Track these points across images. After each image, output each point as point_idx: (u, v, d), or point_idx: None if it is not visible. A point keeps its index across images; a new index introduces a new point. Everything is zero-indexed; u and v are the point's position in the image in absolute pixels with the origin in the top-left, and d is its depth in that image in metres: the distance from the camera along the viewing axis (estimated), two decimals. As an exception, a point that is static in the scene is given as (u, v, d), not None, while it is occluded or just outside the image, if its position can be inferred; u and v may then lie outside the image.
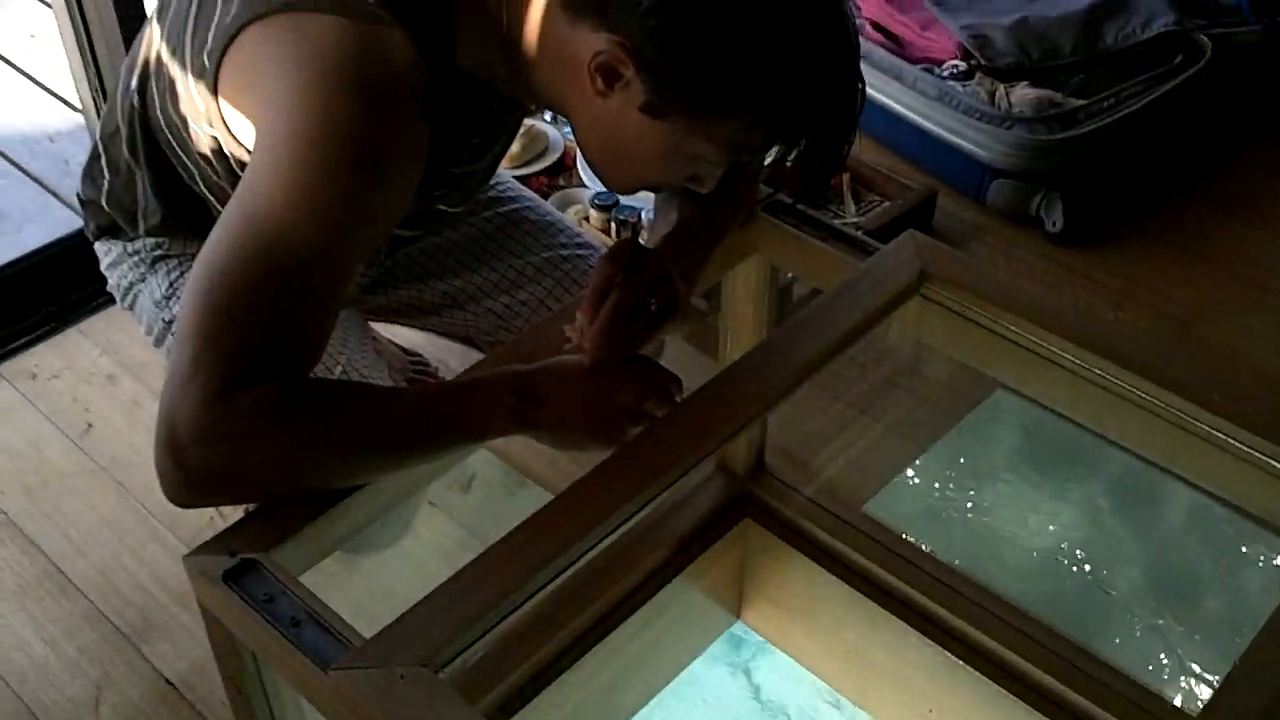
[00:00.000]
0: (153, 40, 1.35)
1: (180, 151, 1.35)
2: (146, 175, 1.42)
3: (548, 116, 2.69)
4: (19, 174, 2.84)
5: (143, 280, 1.53)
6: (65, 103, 3.06)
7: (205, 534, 1.14)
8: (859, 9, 2.84)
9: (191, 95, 1.26)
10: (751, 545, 1.74)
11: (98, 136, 1.51)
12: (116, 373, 2.29)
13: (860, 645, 1.67)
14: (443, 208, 1.46)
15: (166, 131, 1.35)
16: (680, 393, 1.23)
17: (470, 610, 1.04)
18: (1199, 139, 2.87)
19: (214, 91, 1.21)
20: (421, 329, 1.76)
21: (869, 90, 2.61)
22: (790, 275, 2.08)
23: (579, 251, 1.68)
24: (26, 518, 2.04)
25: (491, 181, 1.69)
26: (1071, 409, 1.46)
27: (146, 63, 1.36)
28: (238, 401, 1.05)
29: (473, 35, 1.19)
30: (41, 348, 2.35)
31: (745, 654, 1.82)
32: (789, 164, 1.22)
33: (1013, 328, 1.39)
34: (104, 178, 1.49)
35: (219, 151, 1.28)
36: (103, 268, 1.59)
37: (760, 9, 1.08)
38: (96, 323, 2.39)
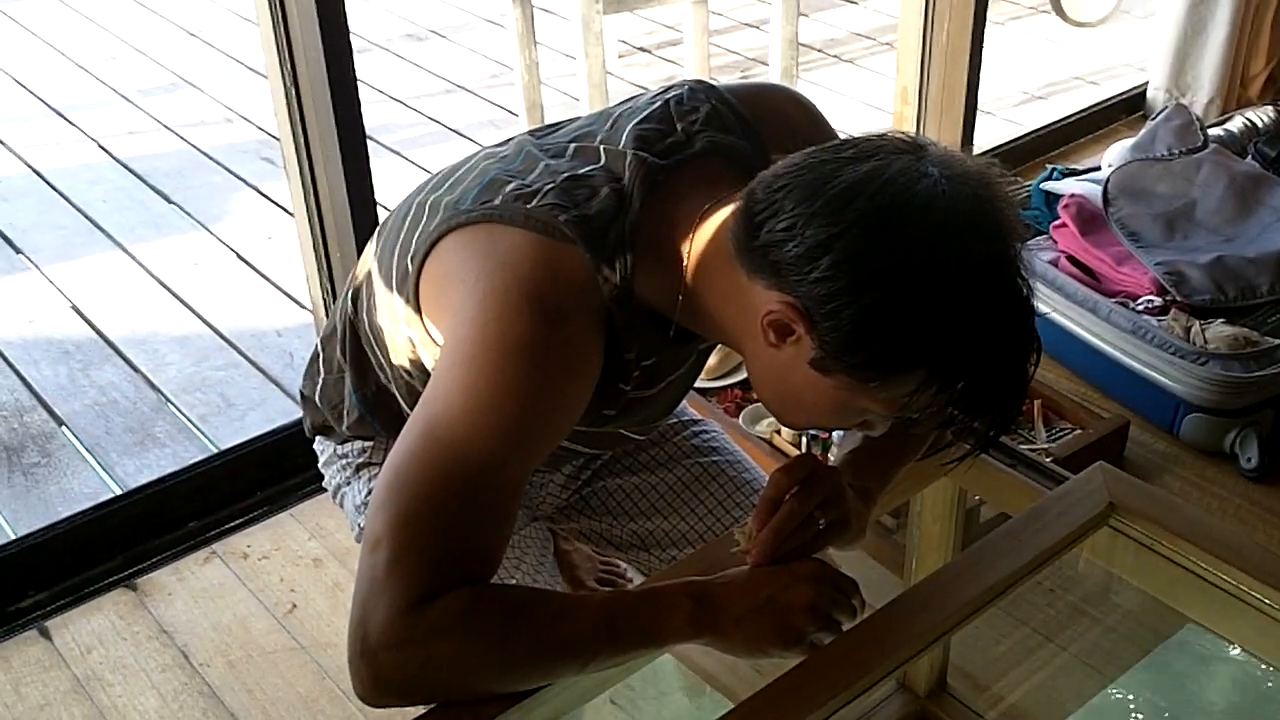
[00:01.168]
0: (370, 253, 1.47)
1: (378, 352, 1.45)
2: (350, 373, 1.52)
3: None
4: (247, 365, 3.05)
5: (348, 484, 1.62)
6: (294, 300, 3.29)
7: (396, 717, 1.20)
8: (1055, 242, 2.90)
9: (392, 300, 1.36)
10: (930, 768, 1.73)
11: (320, 337, 1.62)
12: (322, 556, 2.41)
13: None
14: (623, 432, 1.49)
15: (370, 333, 1.46)
16: (857, 595, 1.25)
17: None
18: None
19: (415, 294, 1.31)
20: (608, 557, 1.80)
21: (1063, 319, 2.70)
22: (978, 498, 2.10)
23: None
24: (228, 690, 2.14)
25: (699, 427, 1.73)
26: (1261, 648, 1.44)
27: (363, 273, 1.48)
28: (428, 610, 1.13)
29: (652, 267, 1.25)
30: (255, 529, 2.49)
31: None
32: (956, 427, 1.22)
33: (1202, 564, 1.40)
34: (320, 375, 1.59)
35: (413, 352, 1.37)
36: (320, 465, 1.69)
37: (929, 284, 1.09)
38: (307, 509, 2.52)
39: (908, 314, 1.10)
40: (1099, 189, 2.90)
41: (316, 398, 1.60)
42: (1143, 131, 3.15)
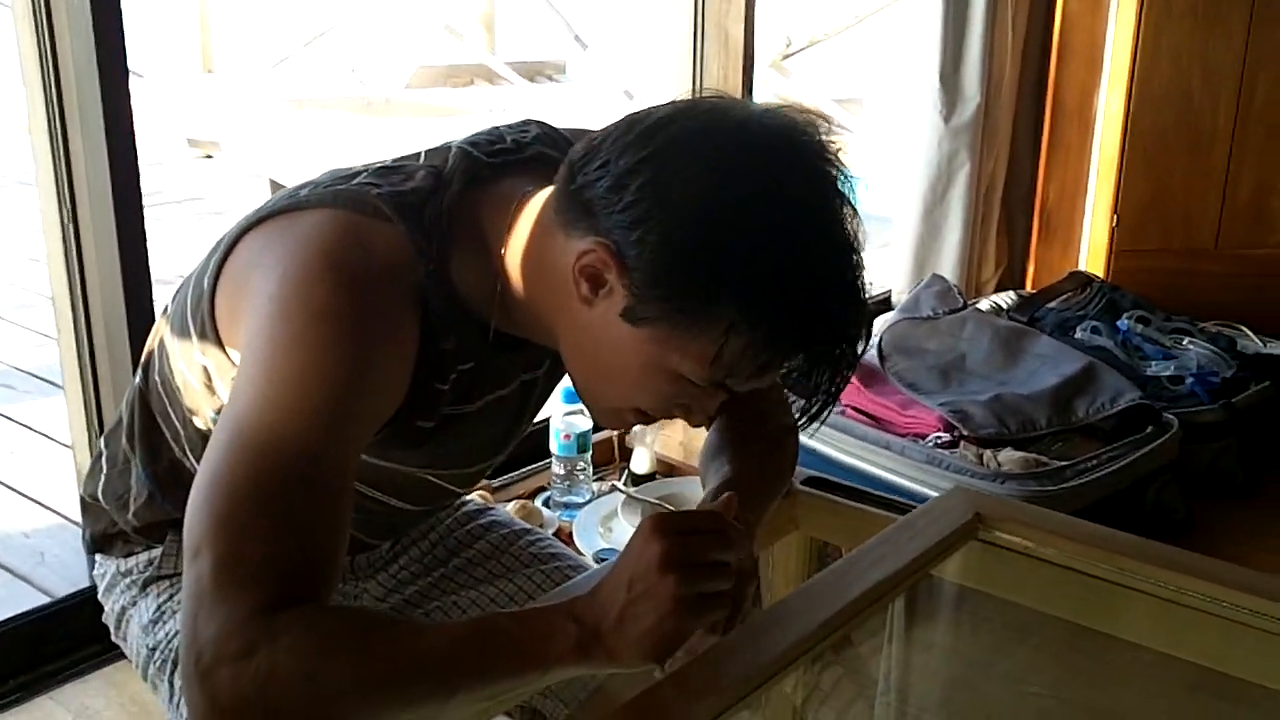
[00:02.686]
0: (162, 314, 1.35)
1: (173, 415, 1.33)
2: (139, 453, 1.38)
3: (539, 500, 2.69)
4: (-12, 568, 2.78)
5: (134, 604, 1.45)
6: (42, 505, 3.05)
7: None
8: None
9: (190, 336, 1.25)
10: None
11: (102, 438, 1.48)
12: (90, 736, 2.14)
13: None
14: (442, 482, 1.37)
15: (163, 395, 1.33)
16: (712, 519, 1.12)
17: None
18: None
19: (210, 312, 1.21)
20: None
21: (857, 461, 2.69)
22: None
23: None
24: None
25: (534, 537, 1.60)
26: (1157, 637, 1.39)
27: (155, 339, 1.36)
28: (272, 618, 1.00)
29: (469, 254, 1.19)
30: (5, 716, 2.20)
31: None
32: (791, 387, 1.18)
33: (1091, 560, 1.36)
34: (102, 473, 1.45)
35: (209, 389, 1.25)
36: (100, 594, 1.51)
37: (737, 209, 1.06)
38: (70, 690, 2.23)
39: (713, 232, 1.06)
40: (874, 349, 2.97)
41: (100, 495, 1.44)
42: (906, 298, 3.27)
